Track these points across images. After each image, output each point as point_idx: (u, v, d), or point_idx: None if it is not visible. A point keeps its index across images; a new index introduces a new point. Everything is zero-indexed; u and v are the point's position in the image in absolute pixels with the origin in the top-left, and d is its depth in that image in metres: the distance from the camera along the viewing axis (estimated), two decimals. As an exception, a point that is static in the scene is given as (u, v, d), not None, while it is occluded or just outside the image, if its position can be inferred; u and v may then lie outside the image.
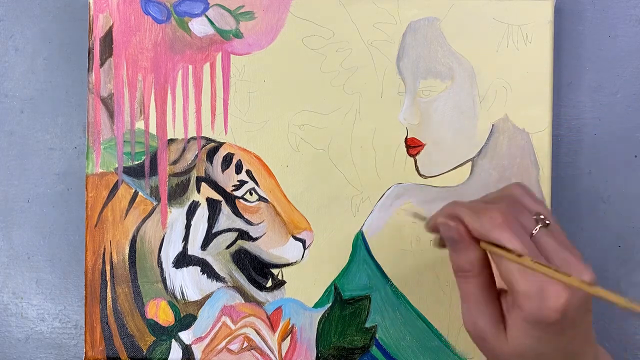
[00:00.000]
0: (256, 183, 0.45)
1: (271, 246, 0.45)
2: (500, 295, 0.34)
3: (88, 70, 0.45)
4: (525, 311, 0.31)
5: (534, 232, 0.33)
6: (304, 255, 0.45)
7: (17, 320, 0.48)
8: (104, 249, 0.45)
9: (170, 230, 0.45)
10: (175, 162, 0.45)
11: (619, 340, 0.47)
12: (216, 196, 0.45)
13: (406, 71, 0.45)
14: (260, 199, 0.45)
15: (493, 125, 0.45)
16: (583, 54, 0.47)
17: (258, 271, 0.45)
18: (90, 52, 0.45)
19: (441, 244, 0.37)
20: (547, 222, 0.33)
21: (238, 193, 0.45)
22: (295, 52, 0.45)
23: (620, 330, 0.47)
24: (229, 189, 0.45)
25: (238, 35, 0.45)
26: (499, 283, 0.34)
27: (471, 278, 0.34)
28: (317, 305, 0.45)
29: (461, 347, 0.45)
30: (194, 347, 0.45)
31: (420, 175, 0.45)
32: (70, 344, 0.48)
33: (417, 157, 0.45)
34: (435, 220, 0.35)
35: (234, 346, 0.45)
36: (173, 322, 0.45)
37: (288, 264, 0.45)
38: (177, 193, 0.45)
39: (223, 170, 0.45)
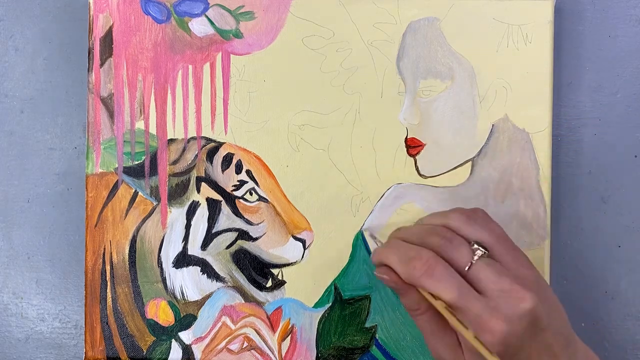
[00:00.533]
0: (256, 183, 0.45)
1: (271, 246, 0.45)
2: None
3: (88, 70, 0.45)
4: (469, 346, 0.33)
5: (473, 261, 0.33)
6: (304, 255, 0.45)
7: (17, 320, 0.48)
8: (104, 249, 0.45)
9: (170, 230, 0.45)
10: (175, 162, 0.45)
11: (619, 340, 0.47)
12: (216, 196, 0.45)
13: (406, 71, 0.45)
14: (260, 199, 0.45)
15: (493, 125, 0.45)
16: (583, 54, 0.47)
17: (258, 271, 0.45)
18: (90, 52, 0.45)
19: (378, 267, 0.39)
20: (485, 251, 0.34)
21: (238, 193, 0.45)
22: (295, 52, 0.45)
23: (620, 330, 0.47)
24: (229, 189, 0.45)
25: (238, 35, 0.45)
26: None
27: (420, 315, 0.36)
28: (317, 305, 0.45)
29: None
30: (194, 347, 0.45)
31: (420, 175, 0.45)
32: (70, 344, 0.48)
33: (417, 157, 0.45)
34: (375, 261, 0.38)
35: (234, 346, 0.45)
36: (173, 322, 0.45)
37: (288, 264, 0.45)
38: (177, 193, 0.45)
39: (223, 170, 0.45)
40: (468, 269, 0.33)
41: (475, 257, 0.33)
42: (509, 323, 0.31)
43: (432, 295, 0.34)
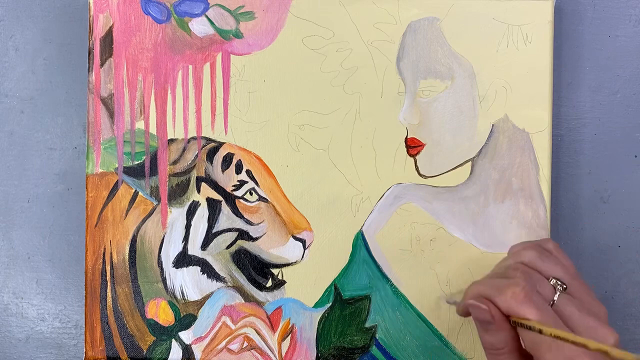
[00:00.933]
0: (256, 183, 0.45)
1: (271, 246, 0.45)
2: None
3: (88, 70, 0.45)
4: None
5: (555, 299, 0.34)
6: (304, 255, 0.45)
7: (17, 320, 0.48)
8: (104, 249, 0.45)
9: (170, 230, 0.45)
10: (175, 162, 0.45)
11: (619, 340, 0.47)
12: (216, 196, 0.45)
13: (406, 71, 0.45)
14: (260, 199, 0.45)
15: (493, 125, 0.45)
16: (583, 54, 0.47)
17: (258, 271, 0.45)
18: (90, 52, 0.45)
19: (465, 313, 0.39)
20: (564, 286, 0.34)
21: (238, 193, 0.45)
22: (295, 52, 0.45)
23: (620, 330, 0.47)
24: (229, 189, 0.45)
25: (238, 35, 0.45)
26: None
27: (503, 355, 0.35)
28: (317, 305, 0.45)
29: (461, 347, 0.45)
30: (194, 347, 0.45)
31: (420, 175, 0.45)
32: (70, 344, 0.48)
33: (417, 157, 0.45)
34: (464, 303, 0.36)
35: (234, 346, 0.45)
36: (173, 322, 0.45)
37: (288, 264, 0.45)
38: (177, 193, 0.45)
39: (223, 170, 0.45)
40: (552, 304, 0.34)
41: (557, 294, 0.34)
42: None
43: (523, 325, 0.33)
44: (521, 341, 0.34)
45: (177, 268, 0.45)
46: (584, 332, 0.32)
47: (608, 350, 0.30)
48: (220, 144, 0.45)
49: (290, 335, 0.45)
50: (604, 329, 0.32)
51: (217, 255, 0.45)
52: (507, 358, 0.35)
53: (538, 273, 0.35)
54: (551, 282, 0.35)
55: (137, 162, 0.45)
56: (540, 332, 0.32)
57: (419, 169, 0.45)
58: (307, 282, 0.45)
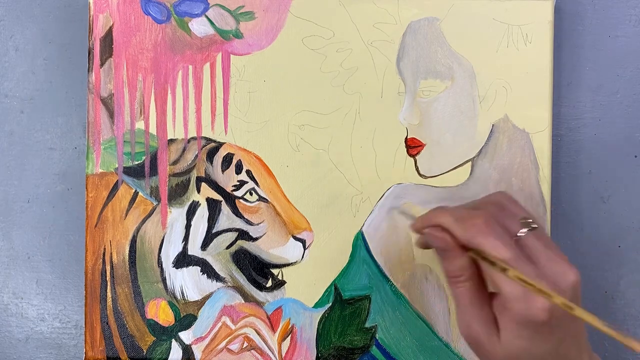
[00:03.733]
0: (256, 183, 0.46)
1: (271, 246, 0.46)
2: (491, 299, 0.35)
3: (88, 71, 0.45)
4: (514, 312, 0.32)
5: (519, 234, 0.34)
6: (304, 255, 0.46)
7: (17, 320, 0.49)
8: (104, 249, 0.45)
9: (170, 230, 0.46)
10: (175, 162, 0.46)
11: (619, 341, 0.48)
12: (216, 196, 0.46)
13: (406, 71, 0.46)
14: (260, 199, 0.46)
15: (493, 125, 0.46)
16: (583, 54, 0.48)
17: (258, 271, 0.46)
18: (90, 52, 0.45)
19: (424, 245, 0.40)
20: (534, 225, 0.35)
21: (238, 193, 0.46)
22: (295, 52, 0.46)
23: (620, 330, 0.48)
24: (229, 189, 0.46)
25: (238, 35, 0.46)
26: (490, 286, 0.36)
27: (462, 283, 0.35)
28: (317, 305, 0.46)
29: (461, 347, 0.46)
30: (194, 347, 0.45)
31: (420, 175, 0.46)
32: (70, 344, 0.49)
33: (417, 157, 0.46)
34: (420, 225, 0.37)
35: (234, 346, 0.45)
36: (173, 322, 0.45)
37: (288, 264, 0.46)
38: (177, 193, 0.46)
39: (223, 171, 0.46)
40: (517, 238, 0.34)
41: (525, 229, 0.34)
42: (558, 291, 0.32)
43: (483, 258, 0.34)
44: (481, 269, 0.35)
45: (177, 268, 0.46)
46: (546, 265, 0.33)
47: (572, 307, 0.30)
48: (220, 144, 0.46)
49: (290, 336, 0.45)
50: (566, 265, 0.33)
51: (217, 256, 0.46)
52: (466, 287, 0.35)
53: (508, 211, 0.36)
54: (520, 220, 0.35)
55: (137, 162, 0.46)
56: (502, 270, 0.32)
57: (419, 169, 0.46)
58: (307, 282, 0.46)
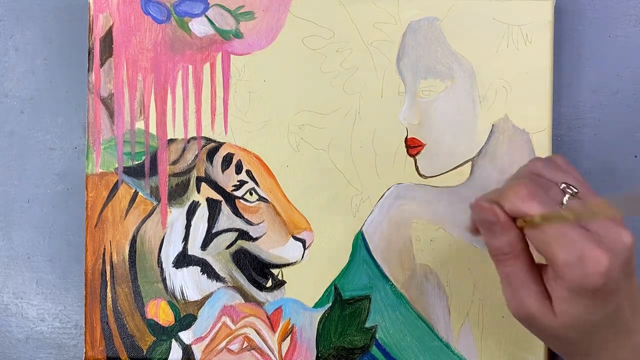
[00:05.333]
0: (256, 183, 0.46)
1: (271, 246, 0.46)
2: (541, 272, 0.34)
3: (88, 70, 0.46)
4: (568, 280, 0.31)
5: (564, 200, 0.33)
6: (304, 255, 0.46)
7: (17, 320, 0.49)
8: (104, 249, 0.46)
9: (170, 230, 0.46)
10: (175, 162, 0.46)
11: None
12: (216, 196, 0.46)
13: (406, 71, 0.46)
14: (260, 199, 0.46)
15: (493, 125, 0.46)
16: (583, 54, 0.48)
17: (258, 271, 0.46)
18: (90, 52, 0.46)
19: (475, 229, 0.37)
20: (575, 190, 0.34)
21: (238, 193, 0.46)
22: (295, 52, 0.46)
23: None
24: (229, 189, 0.46)
25: (238, 35, 0.46)
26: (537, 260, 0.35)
27: (511, 260, 0.34)
28: (317, 305, 0.46)
29: (461, 347, 0.46)
30: (194, 347, 0.46)
31: (420, 175, 0.46)
32: (70, 344, 0.49)
33: (417, 157, 0.46)
34: (471, 209, 0.36)
35: (234, 346, 0.46)
36: (173, 322, 0.46)
37: (288, 264, 0.46)
38: (177, 193, 0.46)
39: (223, 170, 0.46)
40: (561, 206, 0.33)
41: (567, 197, 0.33)
42: (613, 254, 0.31)
43: (533, 223, 0.32)
44: (530, 244, 0.34)
45: (177, 268, 0.46)
46: (595, 229, 0.32)
47: (616, 212, 0.30)
48: (220, 144, 0.46)
49: (290, 336, 0.46)
50: (619, 227, 0.32)
51: (217, 256, 0.46)
52: (514, 263, 0.34)
53: (546, 179, 0.35)
54: (561, 187, 0.34)
55: (137, 162, 0.46)
56: (548, 220, 0.31)
57: (419, 169, 0.46)
58: (307, 282, 0.46)
